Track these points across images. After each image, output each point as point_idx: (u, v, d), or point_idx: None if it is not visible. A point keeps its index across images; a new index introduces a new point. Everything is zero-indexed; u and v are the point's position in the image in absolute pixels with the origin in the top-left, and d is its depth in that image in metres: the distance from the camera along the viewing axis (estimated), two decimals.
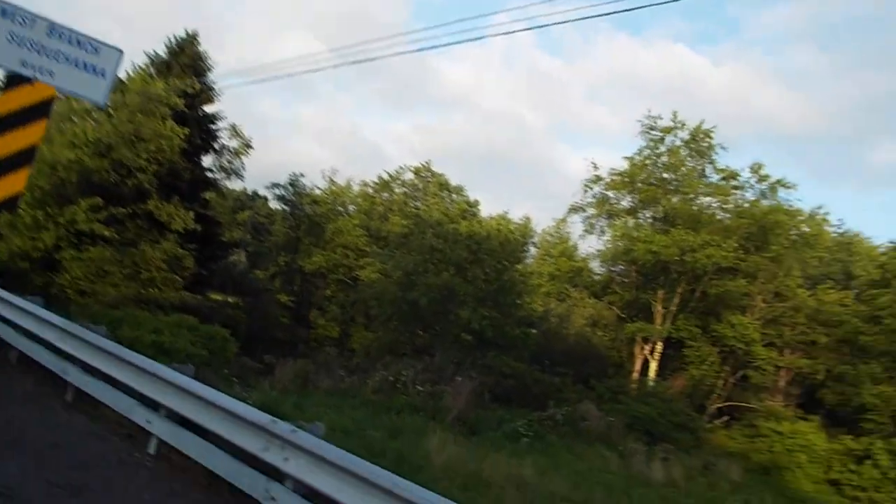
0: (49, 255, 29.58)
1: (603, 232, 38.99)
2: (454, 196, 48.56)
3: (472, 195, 49.71)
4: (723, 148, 36.98)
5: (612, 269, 40.05)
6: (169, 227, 33.06)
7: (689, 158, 37.88)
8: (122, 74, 35.70)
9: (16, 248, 28.60)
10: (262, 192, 73.09)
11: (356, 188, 47.31)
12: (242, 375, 17.56)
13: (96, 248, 29.94)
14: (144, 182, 32.22)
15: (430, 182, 49.25)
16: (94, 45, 6.05)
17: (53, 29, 5.89)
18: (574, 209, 38.66)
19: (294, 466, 6.52)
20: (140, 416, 7.98)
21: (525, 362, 25.70)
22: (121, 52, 6.26)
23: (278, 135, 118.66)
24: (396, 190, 50.01)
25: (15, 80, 5.78)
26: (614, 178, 37.86)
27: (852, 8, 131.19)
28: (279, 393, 17.19)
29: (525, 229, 35.38)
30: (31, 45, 5.82)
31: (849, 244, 40.01)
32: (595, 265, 41.50)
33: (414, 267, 24.67)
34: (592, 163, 38.37)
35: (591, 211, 38.82)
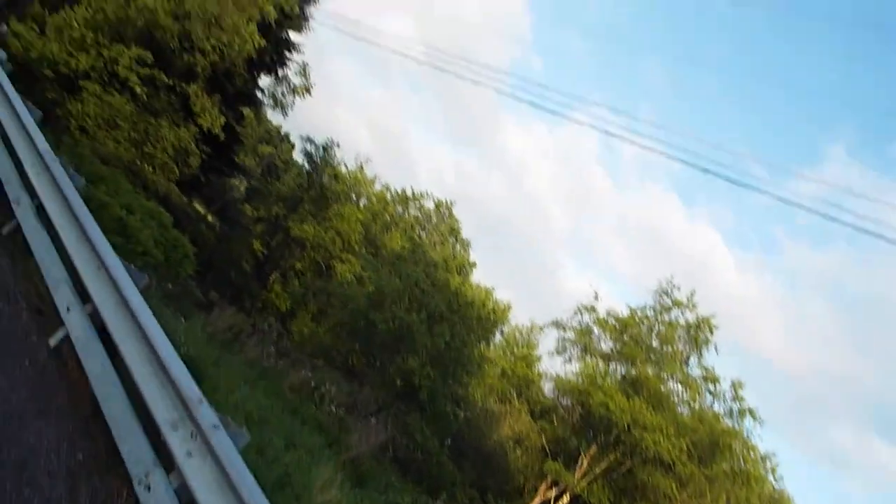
0: (74, 79, 27.92)
1: (570, 360, 37.90)
2: (458, 247, 47.39)
3: (473, 255, 48.69)
4: (716, 350, 36.39)
5: (561, 399, 38.69)
6: (195, 119, 31.53)
7: (681, 340, 37.17)
8: None
9: (49, 53, 26.96)
10: (293, 137, 72.19)
11: (378, 187, 46.09)
12: (181, 299, 15.90)
13: (121, 98, 28.33)
14: (198, 65, 30.82)
15: (444, 221, 48.15)
16: None
17: None
18: (557, 324, 37.55)
19: (192, 467, 5.03)
20: (63, 296, 6.45)
21: (438, 441, 24.13)
22: None
23: (330, 95, 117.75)
24: (411, 210, 48.82)
25: None
26: (608, 318, 37.00)
27: None
28: (207, 339, 15.54)
29: (503, 314, 34.28)
30: None
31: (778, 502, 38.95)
32: (546, 387, 40.19)
33: (391, 291, 23.31)
34: (595, 291, 37.47)
35: (571, 334, 37.75)
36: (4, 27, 8.90)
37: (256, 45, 30.48)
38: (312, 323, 41.47)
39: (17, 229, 7.34)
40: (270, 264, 41.38)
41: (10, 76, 24.38)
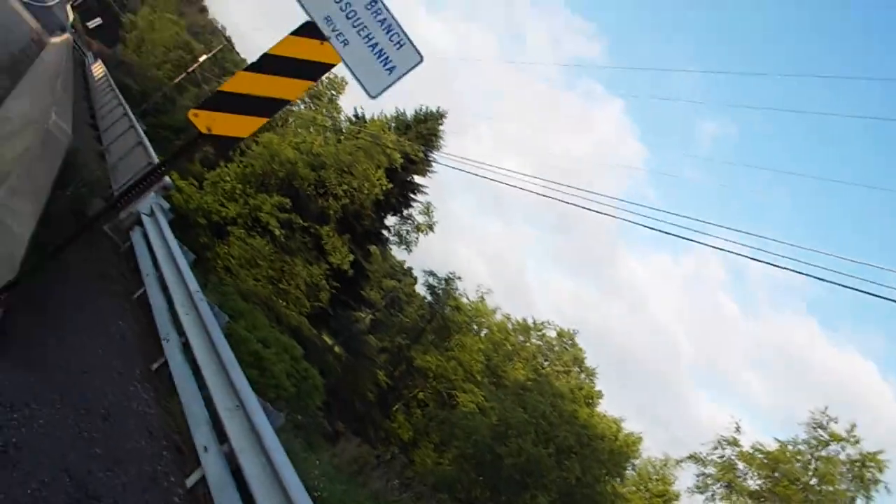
0: (223, 225, 30.88)
1: (713, 499, 34.21)
2: (583, 376, 45.57)
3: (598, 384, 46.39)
4: (887, 489, 31.54)
5: None
6: (326, 258, 33.55)
7: (844, 478, 32.66)
8: (368, 114, 38.05)
9: (204, 204, 30.20)
10: (415, 272, 74.66)
11: (498, 317, 46.03)
12: (309, 429, 16.03)
13: (262, 240, 30.83)
14: (331, 208, 33.21)
15: (567, 350, 46.83)
16: (401, 40, 5.17)
17: (374, 2, 5.09)
18: (695, 458, 34.27)
19: None
20: (202, 435, 6.56)
21: None
22: (421, 58, 5.32)
23: (451, 231, 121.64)
24: (532, 339, 48.00)
25: (309, 30, 4.97)
26: (755, 452, 33.38)
27: None
28: (334, 472, 15.41)
29: (635, 446, 31.59)
30: (345, 6, 5.03)
31: None
32: None
33: (517, 423, 22.35)
34: (736, 423, 34.16)
35: (712, 470, 34.28)
36: (169, 181, 9.77)
37: (384, 189, 32.62)
38: (434, 453, 40.61)
39: (164, 365, 7.74)
40: (394, 394, 41.54)
41: (170, 223, 27.26)
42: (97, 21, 48.71)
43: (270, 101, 5.00)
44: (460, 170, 38.20)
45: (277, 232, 30.63)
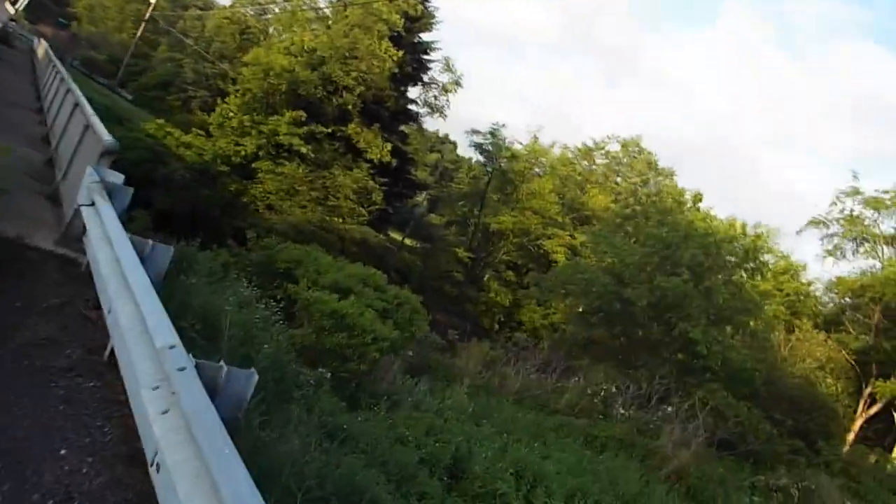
0: (247, 164, 27.61)
1: (843, 256, 31.05)
2: (662, 180, 41.61)
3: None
4: None
5: (847, 301, 31.85)
6: (364, 156, 30.01)
7: None
8: None
9: (220, 150, 26.84)
10: (452, 136, 70.12)
11: (556, 152, 41.82)
12: (425, 362, 13.45)
13: (291, 164, 27.49)
14: (349, 103, 29.22)
15: (636, 159, 42.64)
16: None
17: None
18: (815, 222, 30.87)
19: None
20: None
21: (745, 408, 19.69)
22: None
23: (474, 85, 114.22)
24: (597, 160, 43.99)
25: None
26: (881, 195, 29.56)
27: None
28: (469, 392, 12.92)
29: (764, 239, 27.35)
30: None
31: None
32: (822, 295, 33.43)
33: (639, 259, 19.27)
34: (853, 173, 30.20)
35: (836, 228, 30.87)
36: (110, 140, 6.49)
37: (395, 60, 28.24)
38: (539, 308, 38.59)
39: None
40: (478, 265, 39.11)
41: (189, 184, 24.03)
42: (22, 2, 43.60)
43: None
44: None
45: (304, 149, 27.15)
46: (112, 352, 3.62)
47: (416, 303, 12.72)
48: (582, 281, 19.90)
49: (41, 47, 26.31)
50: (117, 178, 5.35)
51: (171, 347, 2.68)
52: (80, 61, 36.98)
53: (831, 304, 33.14)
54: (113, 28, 54.17)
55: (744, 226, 23.00)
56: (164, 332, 2.81)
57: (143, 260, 3.95)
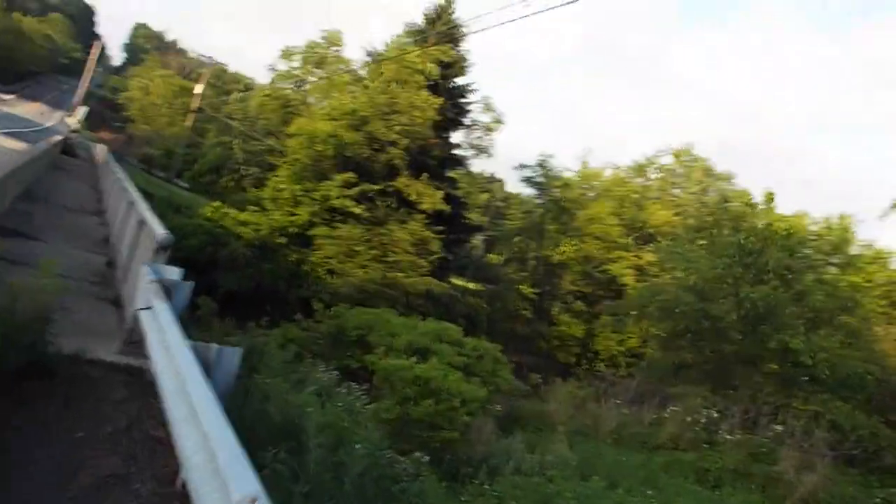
0: (303, 232, 27.72)
1: None
2: (721, 184, 39.90)
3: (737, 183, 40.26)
4: None
5: None
6: (416, 207, 29.77)
7: None
8: (379, 46, 33.29)
9: (275, 223, 27.09)
10: (501, 174, 69.79)
11: (608, 174, 40.72)
12: (517, 411, 12.60)
13: (347, 226, 27.42)
14: (395, 157, 29.18)
15: (692, 168, 41.08)
16: None
17: None
18: None
19: None
20: None
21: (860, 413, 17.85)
22: None
23: (515, 120, 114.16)
24: (652, 176, 42.65)
25: None
26: None
27: None
28: (564, 439, 11.98)
29: (849, 231, 25.03)
30: None
31: None
32: None
33: (722, 272, 17.97)
34: None
35: None
36: (164, 234, 6.11)
37: (435, 108, 28.16)
38: (615, 335, 37.04)
39: None
40: (546, 300, 37.98)
41: (250, 260, 24.13)
42: (84, 109, 46.06)
43: None
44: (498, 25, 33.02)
45: (357, 210, 27.08)
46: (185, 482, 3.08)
47: (496, 352, 12.01)
48: (662, 303, 18.71)
49: (100, 152, 27.41)
50: (175, 273, 4.93)
51: (253, 502, 2.07)
52: (138, 159, 38.52)
53: None
54: (165, 124, 56.70)
55: (828, 219, 21.27)
56: (240, 475, 2.21)
57: (208, 367, 3.42)
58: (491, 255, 55.91)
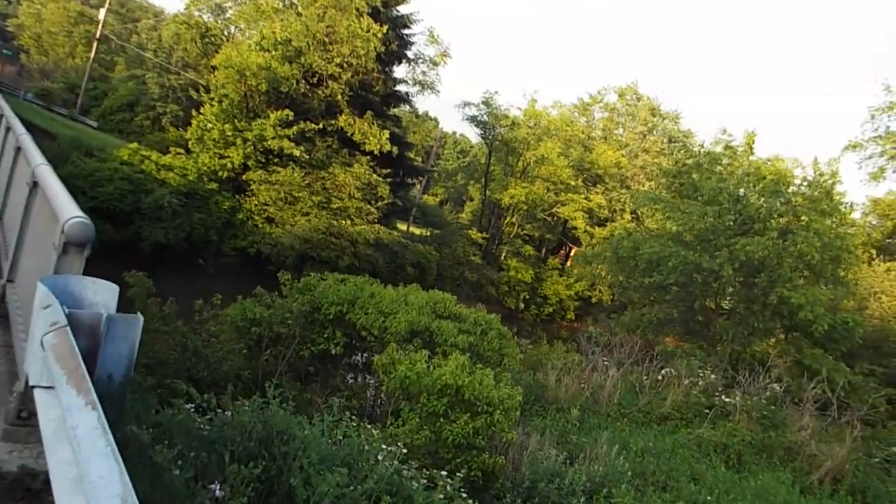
0: (237, 177, 24.37)
1: (885, 178, 28.29)
2: (668, 124, 38.70)
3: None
4: None
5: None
6: (360, 148, 26.87)
7: None
8: None
9: (204, 166, 23.53)
10: (431, 112, 66.45)
11: (554, 113, 38.52)
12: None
13: (286, 170, 24.29)
14: (336, 92, 25.97)
15: (635, 105, 39.57)
16: None
17: None
18: (852, 146, 28.04)
19: None
20: None
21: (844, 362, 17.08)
22: None
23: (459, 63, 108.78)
24: (596, 115, 40.97)
25: None
26: None
27: None
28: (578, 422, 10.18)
29: (834, 176, 23.41)
30: None
31: None
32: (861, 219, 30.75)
33: (713, 223, 16.31)
34: (885, 85, 27.32)
35: (875, 147, 28.10)
36: (84, 220, 3.42)
37: (379, 37, 24.93)
38: (563, 279, 35.90)
39: None
40: (494, 243, 36.21)
41: (178, 209, 20.84)
42: None
43: None
44: None
45: (296, 151, 23.98)
46: None
47: (499, 324, 9.90)
48: (650, 255, 17.00)
49: None
50: (106, 293, 2.42)
51: None
52: (34, 94, 33.23)
53: (871, 231, 30.62)
54: (64, 55, 49.98)
55: (816, 163, 20.08)
56: None
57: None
58: (426, 197, 53.50)
